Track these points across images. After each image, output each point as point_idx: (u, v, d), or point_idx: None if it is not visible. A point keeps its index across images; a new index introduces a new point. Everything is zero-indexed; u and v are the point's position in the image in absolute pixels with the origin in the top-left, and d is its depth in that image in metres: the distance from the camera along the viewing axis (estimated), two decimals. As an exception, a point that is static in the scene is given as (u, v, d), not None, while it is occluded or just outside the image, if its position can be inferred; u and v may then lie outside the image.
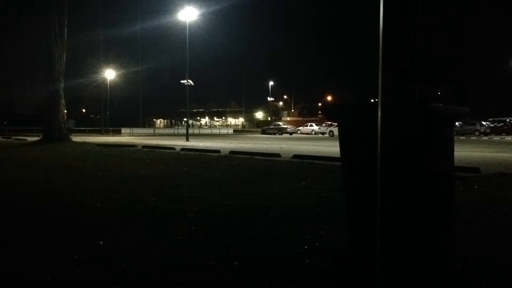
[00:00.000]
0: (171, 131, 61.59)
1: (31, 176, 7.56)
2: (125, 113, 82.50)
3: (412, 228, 1.83)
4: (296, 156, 11.74)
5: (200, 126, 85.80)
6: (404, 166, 1.82)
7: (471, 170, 7.77)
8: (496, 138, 32.40)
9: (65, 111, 22.27)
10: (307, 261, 2.86)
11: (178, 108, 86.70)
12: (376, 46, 1.85)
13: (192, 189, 5.90)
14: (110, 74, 55.29)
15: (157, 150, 15.03)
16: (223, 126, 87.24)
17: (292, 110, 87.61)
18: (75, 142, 20.29)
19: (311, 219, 4.10)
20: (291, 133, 47.20)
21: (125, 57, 65.06)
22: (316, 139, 31.62)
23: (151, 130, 59.54)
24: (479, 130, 38.68)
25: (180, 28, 38.26)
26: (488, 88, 66.99)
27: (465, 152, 13.91)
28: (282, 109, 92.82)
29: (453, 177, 2.51)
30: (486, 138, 32.89)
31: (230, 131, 66.83)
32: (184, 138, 28.93)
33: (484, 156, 12.17)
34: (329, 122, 43.63)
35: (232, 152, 13.34)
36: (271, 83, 79.33)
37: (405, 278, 1.82)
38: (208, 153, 13.30)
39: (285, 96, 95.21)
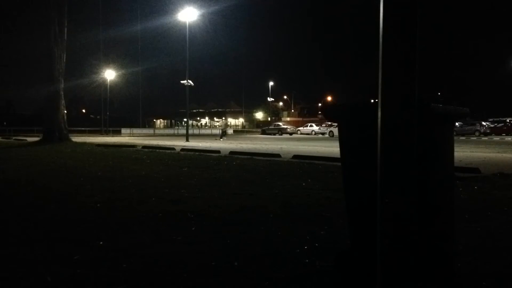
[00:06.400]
0: (171, 131, 61.58)
1: (30, 176, 7.55)
2: (125, 113, 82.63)
3: (412, 228, 1.83)
4: (296, 157, 11.74)
5: (200, 127, 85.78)
6: (404, 167, 1.82)
7: (471, 170, 7.77)
8: (496, 138, 32.37)
9: (65, 111, 22.28)
10: (307, 261, 2.86)
11: (178, 109, 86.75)
12: (376, 46, 1.85)
13: (192, 189, 5.90)
14: (110, 74, 55.26)
15: (157, 150, 15.03)
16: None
17: (292, 111, 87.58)
18: (75, 143, 20.29)
19: (311, 219, 4.10)
20: (291, 134, 47.18)
21: (125, 58, 65.13)
22: (316, 140, 31.61)
23: (151, 131, 59.50)
24: (479, 131, 38.62)
25: (180, 29, 38.26)
26: (488, 88, 67.02)
27: (465, 152, 13.90)
28: (282, 109, 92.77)
29: (453, 177, 2.51)
30: (486, 138, 32.86)
31: (230, 131, 66.82)
32: (184, 138, 28.92)
33: (484, 157, 12.17)
34: (329, 123, 43.58)
35: (232, 153, 13.33)
36: (271, 83, 79.37)
37: (405, 278, 1.82)
38: (208, 154, 13.30)
39: (285, 97, 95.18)
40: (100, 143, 20.06)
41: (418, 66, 1.80)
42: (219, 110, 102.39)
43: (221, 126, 31.72)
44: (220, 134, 28.58)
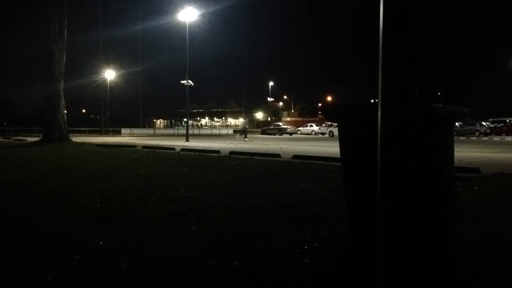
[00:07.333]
0: (171, 131, 61.54)
1: (31, 176, 7.55)
2: (125, 113, 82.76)
3: (412, 229, 1.83)
4: (296, 157, 11.73)
5: (200, 127, 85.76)
6: (404, 167, 1.82)
7: (471, 170, 7.77)
8: (496, 138, 32.38)
9: (65, 111, 22.30)
10: (307, 261, 2.86)
11: (178, 109, 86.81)
12: (376, 46, 1.85)
13: (192, 189, 5.90)
14: (110, 74, 55.26)
15: (157, 150, 15.03)
16: (223, 126, 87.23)
17: (292, 111, 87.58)
18: (75, 143, 20.31)
19: (311, 219, 4.10)
20: (291, 134, 47.19)
21: (125, 58, 65.19)
22: (316, 140, 31.60)
23: (151, 131, 59.48)
24: (479, 131, 38.60)
25: (180, 29, 38.17)
26: (488, 88, 66.96)
27: (465, 152, 13.90)
28: (282, 109, 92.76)
29: (453, 178, 2.51)
30: (486, 138, 32.86)
31: (230, 131, 66.81)
32: (184, 138, 28.92)
33: (484, 157, 12.17)
34: (329, 123, 43.55)
35: (232, 153, 13.33)
36: (271, 83, 79.45)
37: (405, 279, 1.82)
38: (208, 154, 13.30)
39: (285, 97, 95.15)
40: (100, 143, 20.05)
41: (418, 66, 1.80)
42: (219, 110, 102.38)
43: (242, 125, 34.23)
44: (242, 134, 29.78)
